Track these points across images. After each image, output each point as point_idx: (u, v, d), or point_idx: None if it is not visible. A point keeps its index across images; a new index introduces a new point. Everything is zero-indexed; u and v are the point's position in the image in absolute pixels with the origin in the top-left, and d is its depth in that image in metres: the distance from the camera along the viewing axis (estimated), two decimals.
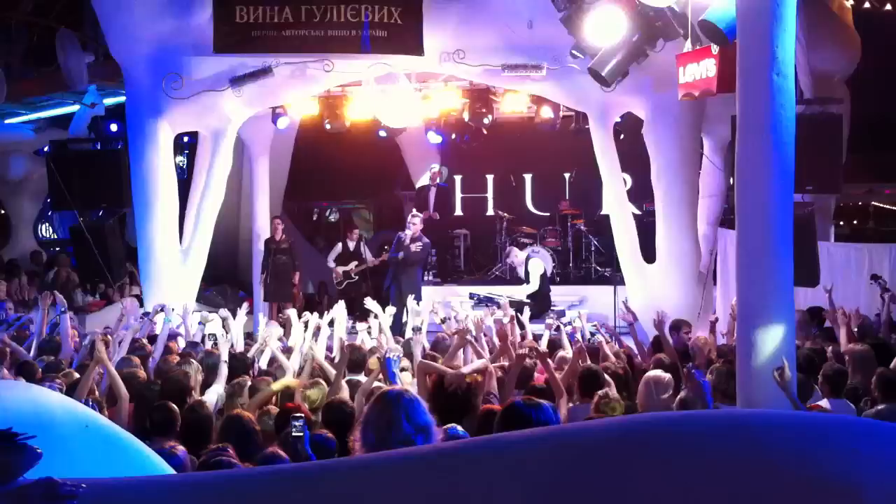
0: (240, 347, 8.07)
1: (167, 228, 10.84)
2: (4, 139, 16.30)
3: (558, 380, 5.79)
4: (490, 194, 16.58)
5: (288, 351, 7.42)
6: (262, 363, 7.33)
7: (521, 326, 8.76)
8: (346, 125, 13.12)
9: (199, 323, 8.77)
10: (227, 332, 7.67)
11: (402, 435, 3.23)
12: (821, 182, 8.13)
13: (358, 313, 10.36)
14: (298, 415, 4.32)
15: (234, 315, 8.66)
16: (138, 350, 7.43)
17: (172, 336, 8.17)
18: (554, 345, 8.03)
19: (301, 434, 4.16)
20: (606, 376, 6.16)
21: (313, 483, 2.37)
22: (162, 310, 8.55)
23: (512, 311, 8.65)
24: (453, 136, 15.04)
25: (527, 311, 9.57)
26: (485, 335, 7.50)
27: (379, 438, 3.26)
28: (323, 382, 6.31)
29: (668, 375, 5.72)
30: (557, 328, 8.50)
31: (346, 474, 2.38)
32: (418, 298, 10.37)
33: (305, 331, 7.86)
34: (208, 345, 7.65)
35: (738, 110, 5.40)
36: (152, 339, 7.99)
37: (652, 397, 5.52)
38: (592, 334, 8.75)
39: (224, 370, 6.34)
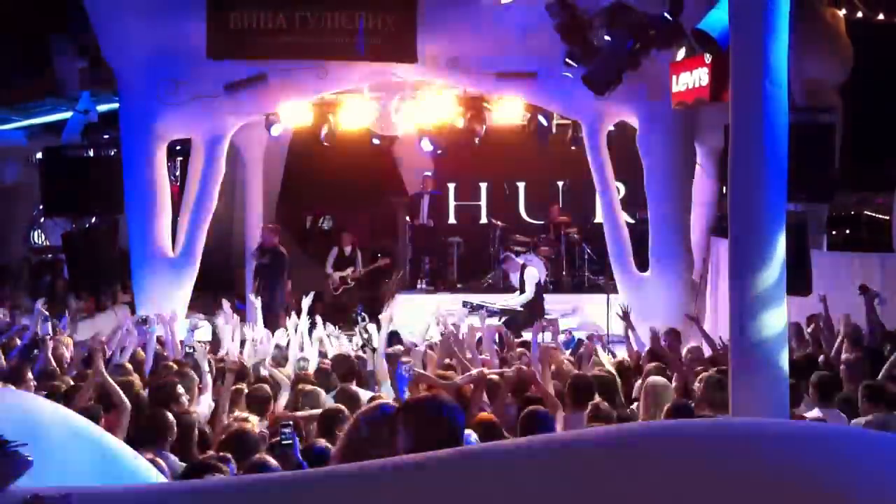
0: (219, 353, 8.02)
1: (160, 236, 10.81)
2: None
3: (547, 390, 5.77)
4: (484, 202, 16.56)
5: (284, 359, 7.41)
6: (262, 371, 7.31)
7: (519, 335, 8.75)
8: (340, 132, 13.09)
9: (189, 329, 8.73)
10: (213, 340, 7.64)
11: None
12: (813, 191, 8.14)
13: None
14: (286, 422, 4.31)
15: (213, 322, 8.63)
16: (131, 360, 7.39)
17: (163, 345, 8.13)
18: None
19: (290, 442, 4.14)
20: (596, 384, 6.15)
21: (303, 491, 2.36)
22: (145, 320, 8.48)
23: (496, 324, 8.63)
24: (439, 151, 14.75)
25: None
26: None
27: None
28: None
29: (665, 381, 5.73)
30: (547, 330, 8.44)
31: (336, 483, 2.37)
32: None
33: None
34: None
35: (731, 119, 5.40)
36: (143, 347, 7.95)
37: (654, 405, 5.52)
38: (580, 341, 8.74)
39: (207, 379, 6.31)
